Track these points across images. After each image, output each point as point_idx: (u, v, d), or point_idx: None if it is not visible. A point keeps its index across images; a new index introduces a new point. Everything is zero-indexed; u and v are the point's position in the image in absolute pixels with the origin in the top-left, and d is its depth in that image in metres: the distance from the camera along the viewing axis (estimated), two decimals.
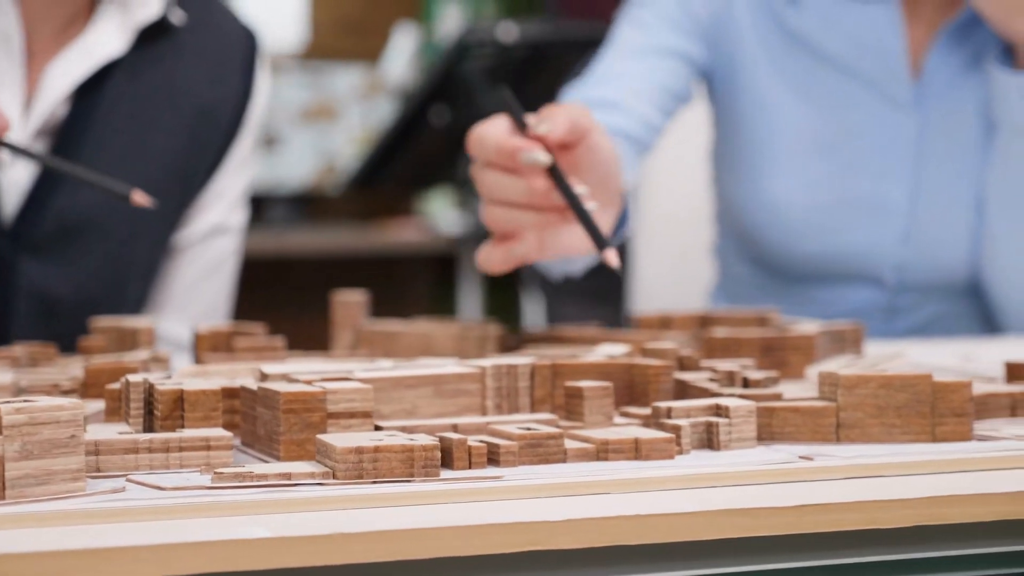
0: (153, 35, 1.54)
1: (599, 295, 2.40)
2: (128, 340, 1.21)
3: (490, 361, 0.94)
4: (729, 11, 1.67)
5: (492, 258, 1.21)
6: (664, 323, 1.31)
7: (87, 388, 1.01)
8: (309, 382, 0.87)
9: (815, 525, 0.75)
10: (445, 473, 0.79)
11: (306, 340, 1.61)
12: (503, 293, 4.45)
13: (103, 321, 1.23)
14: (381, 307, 4.61)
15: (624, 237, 1.38)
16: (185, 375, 0.99)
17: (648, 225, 2.09)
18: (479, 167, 1.19)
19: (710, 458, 0.84)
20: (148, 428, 0.85)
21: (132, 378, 0.86)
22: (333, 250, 4.40)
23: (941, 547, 0.78)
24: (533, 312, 3.85)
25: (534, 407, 0.94)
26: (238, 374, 0.99)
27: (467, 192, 4.46)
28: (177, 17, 1.56)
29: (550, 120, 1.16)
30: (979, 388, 0.97)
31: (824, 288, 1.67)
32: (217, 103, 1.60)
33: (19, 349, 1.19)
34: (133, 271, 1.55)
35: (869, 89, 1.65)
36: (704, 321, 1.32)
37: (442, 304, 4.85)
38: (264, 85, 1.66)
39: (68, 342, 1.27)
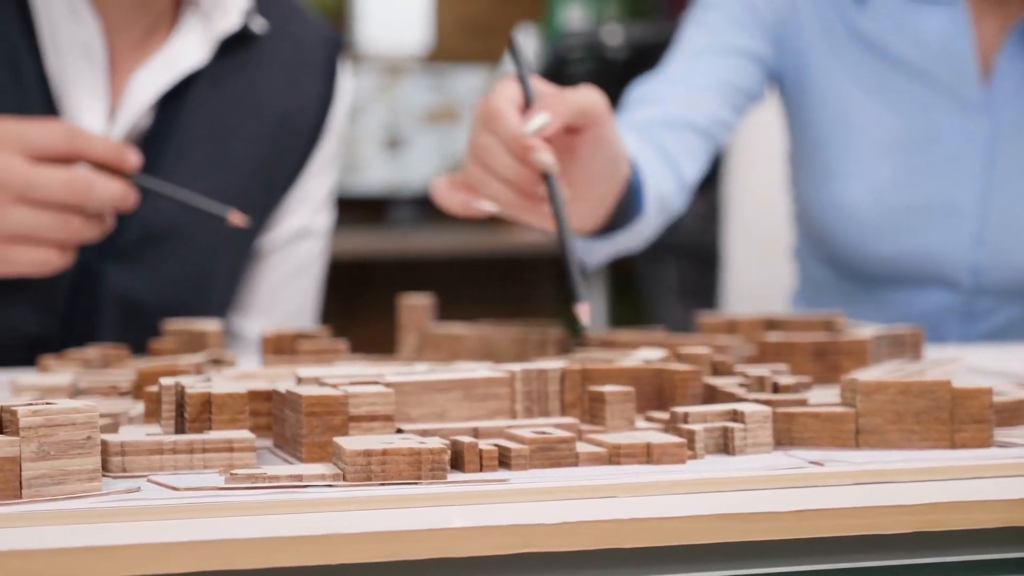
0: (234, 44, 1.57)
1: (699, 296, 2.40)
2: (197, 342, 1.25)
3: (520, 365, 0.95)
4: (794, 14, 1.67)
5: (451, 197, 1.22)
6: (729, 327, 1.31)
7: (139, 390, 1.05)
8: (335, 386, 0.89)
9: (814, 530, 0.76)
10: (455, 476, 0.81)
11: None
12: (627, 294, 4.45)
13: (174, 324, 1.27)
14: (505, 309, 4.64)
15: (632, 229, 1.40)
16: (227, 378, 1.02)
17: (742, 225, 2.09)
18: (483, 131, 1.18)
19: (722, 463, 0.85)
20: (179, 430, 0.88)
21: (164, 381, 0.89)
22: (457, 251, 4.44)
23: (943, 553, 0.78)
24: (656, 313, 3.85)
25: (564, 411, 0.95)
26: (280, 377, 1.02)
27: None
28: (258, 26, 1.59)
29: (556, 106, 1.16)
30: (1018, 394, 0.96)
31: (900, 291, 1.66)
32: (298, 109, 1.63)
33: (92, 351, 1.23)
34: (217, 276, 1.59)
35: (939, 92, 1.63)
36: (770, 324, 1.32)
37: (567, 305, 4.86)
38: (346, 89, 1.69)
39: None
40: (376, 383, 0.90)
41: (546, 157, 1.14)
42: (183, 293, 1.55)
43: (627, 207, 1.37)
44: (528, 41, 4.56)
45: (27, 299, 1.48)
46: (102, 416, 0.95)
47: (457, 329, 1.30)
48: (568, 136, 1.19)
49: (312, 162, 1.65)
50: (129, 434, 0.85)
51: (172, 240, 1.53)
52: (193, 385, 0.88)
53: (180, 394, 0.88)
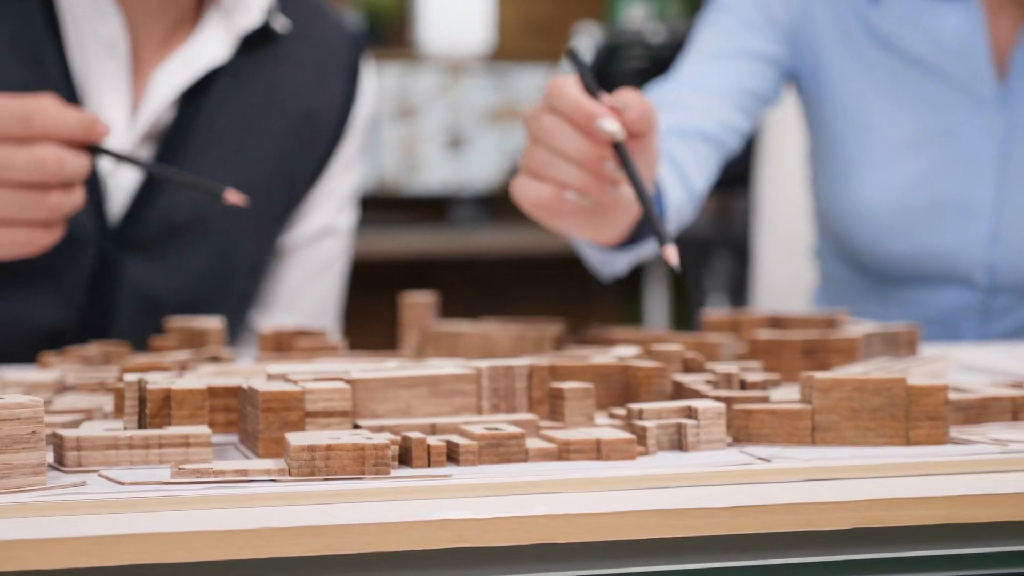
0: (257, 42, 1.58)
1: (734, 294, 2.40)
2: (197, 339, 1.26)
3: (488, 362, 0.96)
4: (808, 14, 1.66)
5: (535, 191, 1.18)
6: (733, 324, 1.31)
7: None
8: (296, 382, 0.90)
9: (750, 526, 0.76)
10: (403, 471, 0.82)
11: None
12: (698, 293, 4.44)
13: (177, 321, 1.29)
14: (566, 308, 4.64)
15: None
16: (202, 375, 1.04)
17: (773, 223, 2.08)
18: (542, 111, 1.16)
19: (672, 459, 0.85)
20: (142, 425, 0.89)
21: (127, 377, 0.90)
22: (518, 250, 4.44)
23: (882, 550, 0.78)
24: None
25: (531, 408, 0.96)
26: (255, 375, 1.03)
27: None
28: (280, 24, 1.60)
29: (628, 102, 1.15)
30: (986, 392, 0.96)
31: (917, 289, 1.65)
32: (321, 108, 1.64)
33: (93, 348, 1.25)
34: (237, 272, 1.60)
35: (954, 89, 1.62)
36: (773, 322, 1.32)
37: (628, 304, 4.86)
38: (369, 88, 1.70)
39: None
40: (338, 379, 0.91)
41: (612, 124, 1.12)
42: (201, 289, 1.56)
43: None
44: (588, 40, 4.56)
45: (46, 290, 1.49)
46: (76, 411, 0.97)
47: (458, 327, 1.31)
48: (630, 140, 1.16)
49: (335, 160, 1.66)
50: (89, 429, 0.87)
51: (191, 234, 1.55)
52: (155, 381, 0.90)
53: (142, 390, 0.89)
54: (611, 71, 3.09)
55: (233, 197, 1.29)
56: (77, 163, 1.26)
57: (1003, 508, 0.78)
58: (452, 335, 1.30)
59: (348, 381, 0.92)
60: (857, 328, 1.21)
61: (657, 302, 4.65)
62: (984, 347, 1.48)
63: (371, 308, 3.53)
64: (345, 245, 1.73)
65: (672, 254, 1.06)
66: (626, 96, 1.16)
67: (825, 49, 1.66)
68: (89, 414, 0.97)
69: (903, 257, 1.63)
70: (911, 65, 1.64)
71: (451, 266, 4.62)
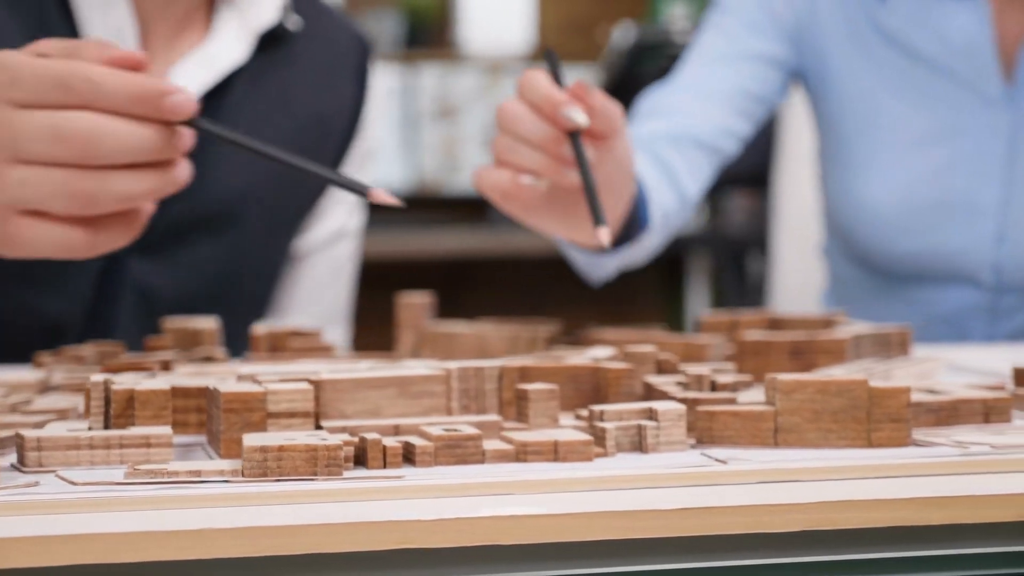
0: (270, 42, 1.57)
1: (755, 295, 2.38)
2: (191, 339, 1.27)
3: (458, 363, 0.96)
4: (813, 12, 1.65)
5: (494, 177, 1.22)
6: (731, 325, 1.31)
7: None
8: (260, 382, 0.91)
9: (698, 528, 0.76)
10: (357, 472, 0.82)
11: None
12: (731, 293, 4.42)
13: (172, 321, 1.29)
14: (607, 310, 4.63)
15: (636, 246, 1.40)
16: (180, 375, 1.04)
17: (789, 224, 2.07)
18: (514, 100, 1.19)
19: (630, 461, 0.85)
20: (107, 426, 0.90)
21: (94, 378, 0.91)
22: (557, 251, 4.43)
23: (832, 552, 0.77)
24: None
25: (502, 409, 0.96)
26: (230, 375, 1.03)
27: None
28: (293, 23, 1.59)
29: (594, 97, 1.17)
30: (959, 394, 0.95)
31: (924, 289, 1.64)
32: (331, 111, 1.64)
33: (88, 348, 1.26)
34: (245, 274, 1.60)
35: (961, 87, 1.61)
36: (772, 323, 1.31)
37: (670, 304, 4.85)
38: (377, 91, 1.70)
39: None
40: (303, 380, 0.92)
41: (576, 113, 1.15)
42: (204, 289, 1.56)
43: (633, 221, 1.38)
44: (629, 38, 4.55)
45: (52, 283, 1.48)
46: (50, 412, 0.98)
47: (453, 327, 1.31)
48: (589, 141, 1.19)
49: (345, 164, 1.66)
50: (52, 430, 0.87)
51: (198, 235, 1.54)
52: (121, 382, 0.90)
53: (108, 391, 0.90)
54: (639, 71, 3.08)
55: (380, 196, 1.00)
56: (126, 137, 0.94)
57: (957, 511, 0.77)
58: (447, 336, 1.30)
59: (315, 382, 0.92)
60: (847, 329, 1.20)
61: (698, 302, 4.63)
62: (989, 348, 1.46)
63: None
64: (356, 247, 1.73)
65: (604, 235, 1.10)
66: (591, 90, 1.18)
67: (832, 47, 1.65)
68: (63, 414, 0.97)
69: (909, 256, 1.62)
70: (918, 63, 1.62)
71: (491, 266, 4.62)
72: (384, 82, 4.47)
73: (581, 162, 1.16)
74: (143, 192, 0.96)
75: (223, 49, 1.53)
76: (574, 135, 1.16)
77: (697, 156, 1.56)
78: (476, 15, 4.68)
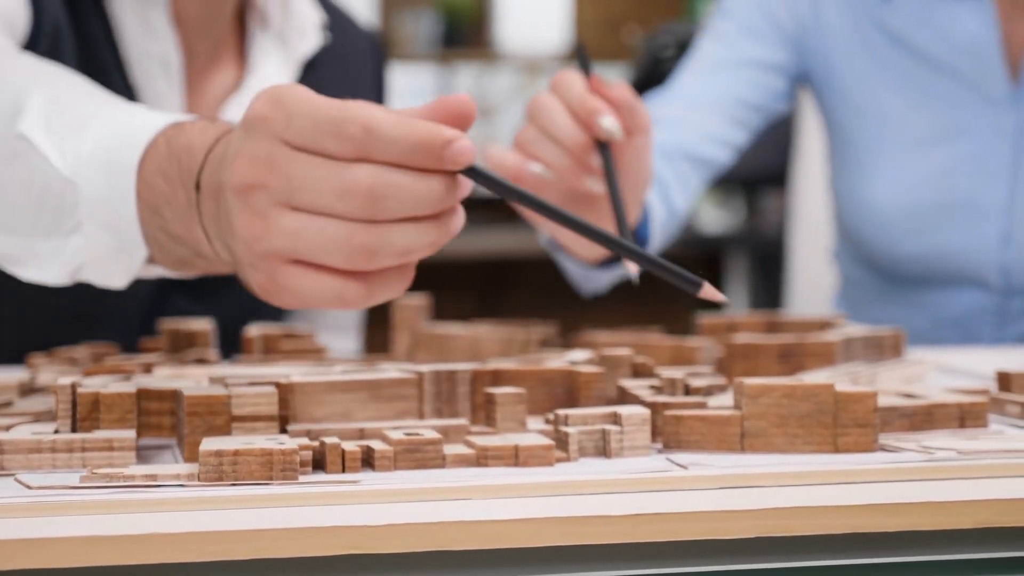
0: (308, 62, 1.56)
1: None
2: (184, 341, 1.27)
3: (431, 366, 0.95)
4: (816, 16, 1.64)
5: (504, 158, 1.21)
6: (730, 327, 1.30)
7: None
8: (228, 385, 0.90)
9: (649, 535, 0.75)
10: (314, 477, 0.82)
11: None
12: (770, 294, 4.40)
13: (167, 323, 1.29)
14: (643, 312, 4.62)
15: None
16: (159, 378, 1.04)
17: (804, 226, 2.06)
18: (547, 94, 1.19)
19: (591, 466, 0.84)
20: (74, 429, 0.90)
21: (61, 380, 0.91)
22: None
23: (788, 559, 0.76)
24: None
25: (474, 412, 0.95)
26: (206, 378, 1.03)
27: (728, 192, 4.43)
28: (326, 39, 1.59)
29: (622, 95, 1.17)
30: (936, 398, 0.94)
31: (932, 292, 1.62)
32: None
33: (82, 349, 1.26)
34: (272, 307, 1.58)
35: (966, 88, 1.59)
36: (771, 326, 1.30)
37: (708, 306, 4.82)
38: (392, 86, 1.69)
39: None
40: (270, 384, 0.91)
41: (612, 122, 1.14)
42: (236, 323, 1.53)
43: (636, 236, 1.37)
44: (669, 38, 4.54)
45: (106, 319, 1.48)
46: (26, 414, 0.98)
47: (448, 329, 1.31)
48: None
49: None
50: (16, 433, 0.87)
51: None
52: (87, 385, 0.90)
53: (75, 394, 0.90)
54: (661, 70, 3.07)
55: (711, 293, 0.92)
56: (411, 192, 0.85)
57: (916, 517, 0.76)
58: (442, 337, 1.30)
59: (285, 386, 0.91)
60: (838, 332, 1.19)
61: (738, 304, 4.61)
62: (996, 351, 1.45)
63: (452, 308, 3.53)
64: None
65: (634, 267, 1.08)
66: (622, 87, 1.17)
67: (836, 49, 1.64)
68: (37, 417, 0.97)
69: (914, 258, 1.61)
70: (923, 63, 1.61)
71: (529, 267, 4.61)
72: (420, 81, 4.47)
73: (610, 178, 1.14)
74: (424, 246, 0.87)
75: (268, 79, 1.49)
76: (604, 146, 1.15)
77: (688, 170, 1.55)
78: (513, 15, 4.68)
